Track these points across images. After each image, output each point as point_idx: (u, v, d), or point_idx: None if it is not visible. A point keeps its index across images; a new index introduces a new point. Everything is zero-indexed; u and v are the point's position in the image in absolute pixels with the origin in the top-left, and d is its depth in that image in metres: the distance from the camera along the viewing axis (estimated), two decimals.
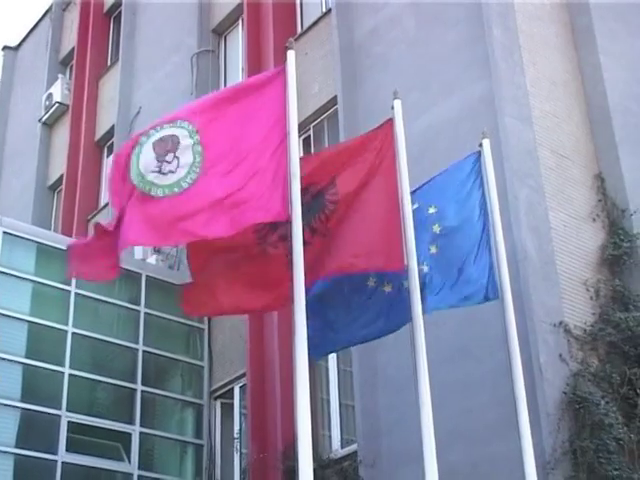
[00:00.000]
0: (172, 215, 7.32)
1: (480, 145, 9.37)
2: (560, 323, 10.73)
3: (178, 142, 7.52)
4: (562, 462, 9.91)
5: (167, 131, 7.61)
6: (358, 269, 8.34)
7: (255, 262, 8.09)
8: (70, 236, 16.73)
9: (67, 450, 12.81)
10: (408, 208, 8.32)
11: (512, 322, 8.77)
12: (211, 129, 7.61)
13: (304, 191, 7.67)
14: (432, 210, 8.95)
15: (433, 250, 8.80)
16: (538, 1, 13.14)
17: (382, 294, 8.67)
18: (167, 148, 7.50)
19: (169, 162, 7.45)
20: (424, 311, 8.15)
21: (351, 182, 8.30)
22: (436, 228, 8.88)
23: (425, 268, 8.60)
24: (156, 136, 7.57)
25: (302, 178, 7.60)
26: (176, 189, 7.36)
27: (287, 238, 7.64)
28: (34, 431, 12.87)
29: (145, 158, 7.48)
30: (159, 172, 7.41)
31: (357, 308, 8.70)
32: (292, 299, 7.19)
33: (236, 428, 14.09)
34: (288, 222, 7.43)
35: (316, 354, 8.32)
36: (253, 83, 8.18)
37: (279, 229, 7.90)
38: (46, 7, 23.64)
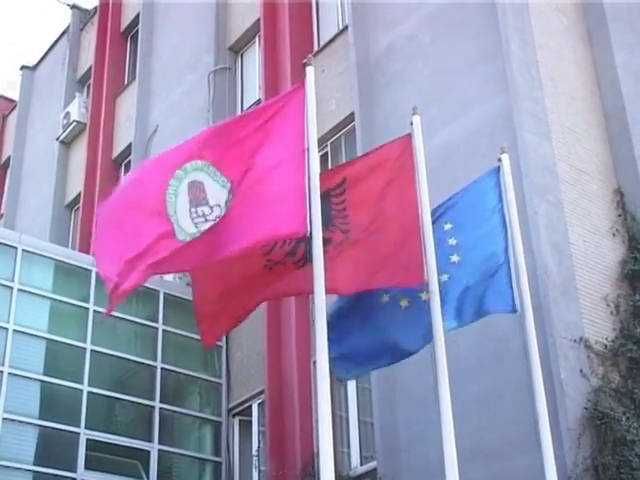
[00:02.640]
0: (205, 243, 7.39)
1: (499, 160, 9.33)
2: (580, 339, 10.66)
3: (204, 190, 7.57)
4: (583, 478, 9.84)
5: (193, 175, 7.64)
6: (379, 284, 8.32)
7: (261, 275, 8.11)
8: (88, 254, 16.76)
9: (86, 468, 12.81)
10: (428, 223, 8.29)
11: (533, 337, 8.70)
12: (236, 168, 7.63)
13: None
14: (448, 227, 8.92)
15: (454, 259, 8.76)
16: (555, 16, 13.12)
17: (399, 310, 8.65)
18: (197, 195, 7.56)
19: (204, 208, 7.50)
20: (445, 328, 8.11)
21: (364, 192, 8.29)
22: (452, 241, 8.85)
23: (445, 277, 8.55)
24: (185, 180, 7.60)
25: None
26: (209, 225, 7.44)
27: (294, 254, 7.68)
28: (53, 449, 12.89)
29: (181, 203, 7.52)
30: (200, 220, 7.46)
31: (376, 328, 8.69)
32: (310, 308, 7.20)
33: (254, 445, 14.06)
34: (305, 237, 7.41)
35: (340, 376, 8.33)
36: (270, 108, 8.17)
37: (285, 246, 7.91)
38: (64, 27, 23.82)
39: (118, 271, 7.25)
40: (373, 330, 8.67)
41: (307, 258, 7.44)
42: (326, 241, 7.75)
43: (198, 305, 8.23)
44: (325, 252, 7.45)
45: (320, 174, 7.85)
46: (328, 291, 7.32)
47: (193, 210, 7.49)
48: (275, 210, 7.38)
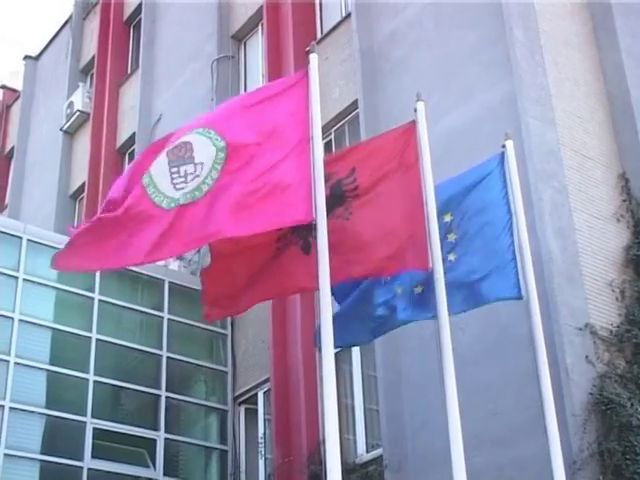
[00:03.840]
0: (194, 221, 7.29)
1: (503, 146, 9.32)
2: (586, 325, 10.65)
3: (192, 148, 7.46)
4: (589, 464, 9.84)
5: (182, 139, 7.57)
6: (385, 272, 8.34)
7: (273, 257, 8.12)
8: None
9: (92, 456, 12.85)
10: (433, 209, 8.29)
11: (538, 324, 8.71)
12: (234, 131, 7.58)
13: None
14: (447, 218, 8.90)
15: (451, 257, 8.79)
16: (558, 0, 13.07)
17: (394, 294, 8.78)
18: (180, 154, 7.45)
19: (187, 166, 7.39)
20: (449, 312, 8.11)
21: (371, 178, 8.30)
22: (451, 237, 8.85)
23: (448, 261, 8.57)
24: (165, 150, 7.54)
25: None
26: (197, 193, 7.33)
27: (303, 235, 7.70)
28: (59, 438, 12.92)
29: (160, 169, 7.44)
30: (180, 180, 7.36)
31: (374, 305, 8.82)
32: (315, 296, 7.23)
33: (260, 433, 14.08)
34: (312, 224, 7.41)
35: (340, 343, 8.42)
36: (274, 87, 8.17)
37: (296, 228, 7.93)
38: (66, 16, 23.79)
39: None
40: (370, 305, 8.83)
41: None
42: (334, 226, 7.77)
43: (206, 282, 8.25)
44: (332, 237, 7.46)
45: (327, 159, 7.86)
46: (333, 281, 7.32)
47: (174, 170, 7.38)
48: (281, 198, 7.37)
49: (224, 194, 7.28)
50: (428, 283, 8.34)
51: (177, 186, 7.34)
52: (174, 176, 7.38)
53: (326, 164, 7.73)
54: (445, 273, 8.25)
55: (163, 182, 7.40)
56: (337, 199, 8.08)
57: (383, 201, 8.24)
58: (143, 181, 7.43)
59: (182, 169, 7.41)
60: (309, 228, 7.55)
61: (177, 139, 7.63)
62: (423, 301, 8.65)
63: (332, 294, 7.86)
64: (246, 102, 7.95)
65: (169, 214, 7.26)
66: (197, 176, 7.35)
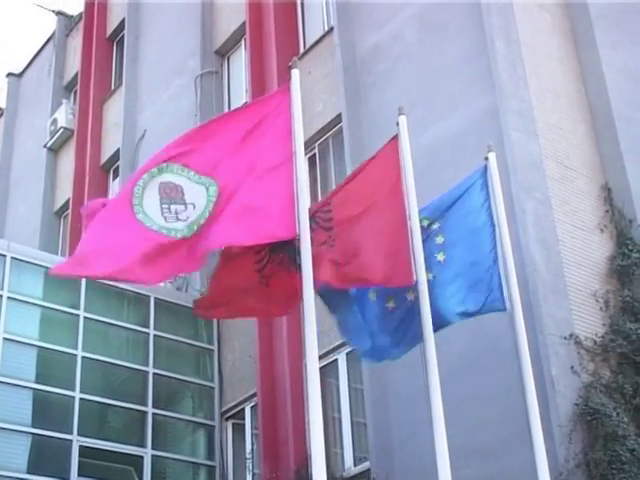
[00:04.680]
0: (189, 247, 7.37)
1: (486, 159, 9.36)
2: (570, 335, 10.69)
3: (182, 192, 7.54)
4: (575, 474, 9.87)
5: (170, 177, 7.60)
6: (367, 283, 8.35)
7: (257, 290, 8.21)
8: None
9: (79, 474, 12.78)
10: (416, 223, 8.32)
11: (523, 335, 8.73)
12: (225, 173, 7.64)
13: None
14: (435, 226, 8.95)
15: (440, 257, 8.78)
16: (539, 13, 13.16)
17: (385, 311, 8.70)
18: (172, 195, 7.53)
19: (181, 207, 7.48)
20: (435, 327, 8.13)
21: (349, 191, 8.38)
22: (439, 239, 8.87)
23: (429, 276, 8.55)
24: (159, 178, 7.58)
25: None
26: (195, 227, 7.41)
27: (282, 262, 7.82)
28: (46, 456, 12.86)
29: (150, 198, 7.50)
30: (170, 215, 7.45)
31: (363, 323, 8.77)
32: (300, 310, 7.24)
33: (248, 448, 14.05)
34: (295, 240, 7.43)
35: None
36: (255, 106, 8.20)
37: (275, 257, 7.98)
38: (49, 33, 23.77)
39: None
40: (360, 324, 8.75)
41: (297, 266, 7.46)
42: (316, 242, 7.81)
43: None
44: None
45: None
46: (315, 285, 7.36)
47: (165, 207, 7.45)
48: (263, 215, 7.40)
49: (213, 225, 7.38)
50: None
51: (167, 219, 7.43)
52: (164, 210, 7.47)
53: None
54: (432, 273, 8.31)
55: (151, 206, 7.47)
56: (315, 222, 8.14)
57: (369, 220, 8.29)
58: (134, 190, 7.48)
59: (172, 207, 7.50)
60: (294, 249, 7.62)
61: (161, 162, 7.64)
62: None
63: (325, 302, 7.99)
64: (235, 137, 7.92)
65: (156, 237, 7.33)
66: (188, 216, 7.45)
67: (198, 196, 7.51)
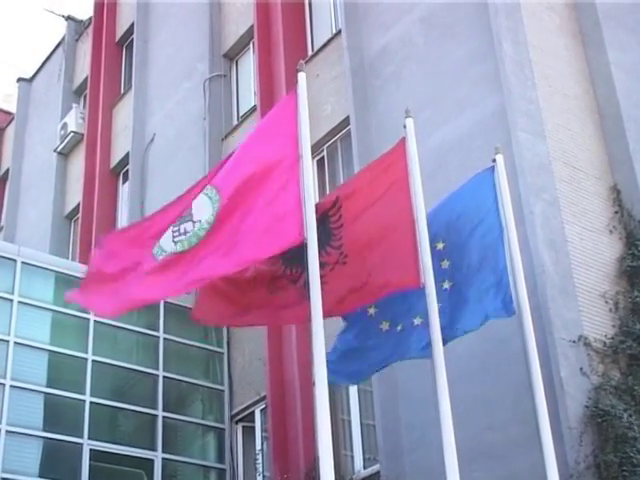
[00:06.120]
0: (192, 261, 7.41)
1: (494, 160, 9.36)
2: (580, 337, 10.66)
3: (191, 208, 7.64)
4: (585, 476, 9.83)
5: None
6: (376, 296, 8.37)
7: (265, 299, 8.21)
8: (87, 264, 16.78)
9: (90, 478, 12.80)
10: (423, 226, 8.31)
11: (531, 337, 8.73)
12: (228, 184, 7.69)
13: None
14: (440, 246, 8.89)
15: (446, 286, 8.78)
16: (547, 15, 13.14)
17: (395, 333, 8.75)
18: (182, 215, 7.63)
19: (187, 224, 7.56)
20: (444, 340, 8.14)
21: (361, 205, 8.35)
22: (445, 264, 8.84)
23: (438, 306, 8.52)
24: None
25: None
26: (194, 240, 7.45)
27: (296, 281, 7.89)
28: (56, 460, 12.89)
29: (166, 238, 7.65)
30: (178, 234, 7.54)
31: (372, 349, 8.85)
32: (309, 319, 7.21)
33: (258, 451, 14.05)
34: (303, 245, 7.42)
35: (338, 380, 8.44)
36: (268, 123, 8.24)
37: (287, 272, 7.98)
38: (59, 38, 23.86)
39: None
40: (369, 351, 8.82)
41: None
42: (322, 265, 7.71)
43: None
44: (321, 276, 7.43)
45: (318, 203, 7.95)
46: (325, 314, 7.32)
47: (175, 229, 7.56)
48: (271, 221, 7.41)
49: (214, 240, 7.40)
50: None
51: (175, 239, 7.53)
52: (175, 234, 7.56)
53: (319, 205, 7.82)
54: (442, 301, 8.29)
55: (166, 241, 7.62)
56: (325, 234, 8.09)
57: (377, 224, 8.29)
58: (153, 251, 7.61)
59: (182, 227, 7.58)
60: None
61: (185, 208, 7.74)
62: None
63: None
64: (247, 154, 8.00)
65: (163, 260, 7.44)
66: (192, 229, 7.53)
67: (204, 209, 7.57)
